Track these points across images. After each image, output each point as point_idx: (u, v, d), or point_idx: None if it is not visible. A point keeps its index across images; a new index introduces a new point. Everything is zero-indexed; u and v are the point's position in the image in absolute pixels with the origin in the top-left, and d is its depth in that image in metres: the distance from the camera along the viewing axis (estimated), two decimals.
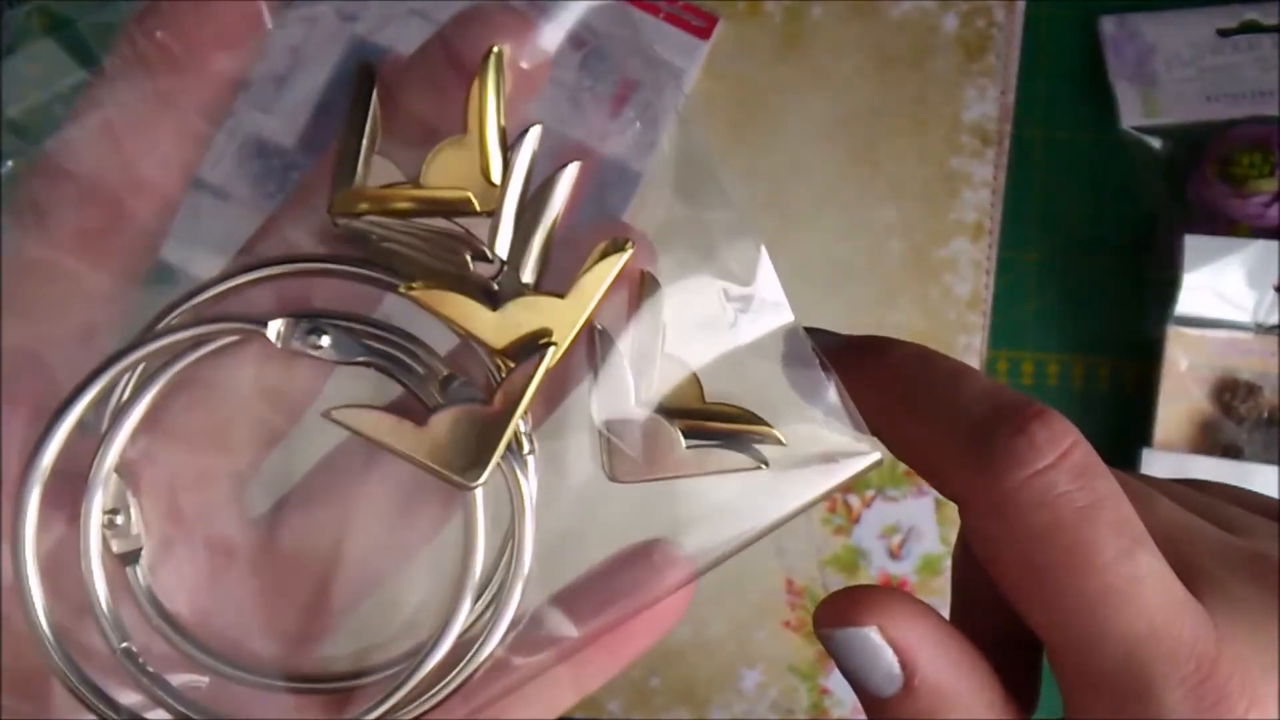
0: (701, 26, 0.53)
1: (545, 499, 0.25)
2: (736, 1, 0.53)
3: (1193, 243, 0.48)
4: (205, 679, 0.22)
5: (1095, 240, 0.53)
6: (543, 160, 0.51)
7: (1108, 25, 0.53)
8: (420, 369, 0.23)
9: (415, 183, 0.23)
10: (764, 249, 0.23)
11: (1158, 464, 0.49)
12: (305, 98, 0.52)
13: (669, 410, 0.23)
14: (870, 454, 0.22)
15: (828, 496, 0.23)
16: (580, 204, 0.51)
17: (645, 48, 0.54)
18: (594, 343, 0.23)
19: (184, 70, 0.24)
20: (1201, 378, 0.50)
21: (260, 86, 0.52)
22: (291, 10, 0.53)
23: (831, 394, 0.22)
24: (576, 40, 0.54)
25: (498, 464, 0.23)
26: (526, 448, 0.24)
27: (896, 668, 0.20)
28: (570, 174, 0.24)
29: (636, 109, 0.53)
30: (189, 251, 0.54)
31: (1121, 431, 0.53)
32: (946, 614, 0.22)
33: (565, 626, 0.24)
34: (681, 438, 0.23)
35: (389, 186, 0.23)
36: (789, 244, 0.53)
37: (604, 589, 0.24)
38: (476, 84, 0.23)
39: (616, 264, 0.22)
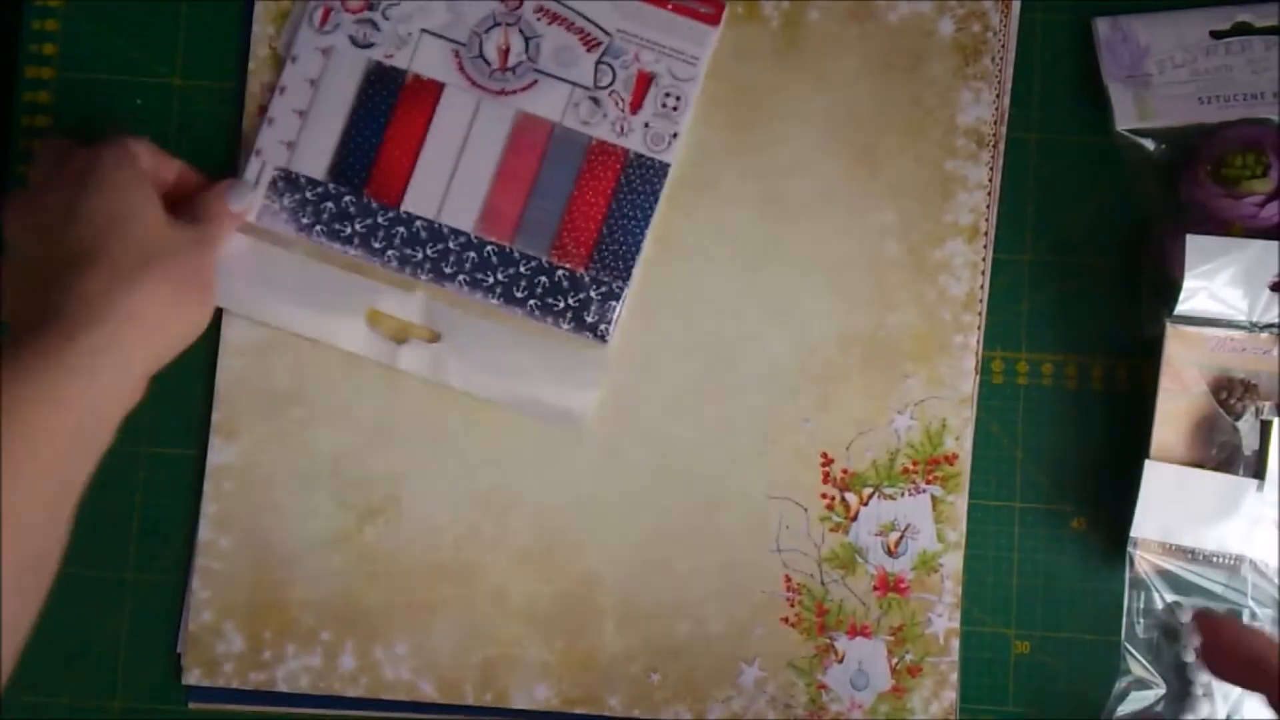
0: (710, 14, 0.53)
1: None
2: (735, 4, 0.54)
3: (1192, 242, 0.49)
4: None
5: (1089, 241, 0.54)
6: (572, 157, 0.51)
7: (1102, 27, 0.53)
8: None
9: None
10: None
11: (1156, 475, 0.49)
12: (331, 127, 0.53)
13: None
14: None
15: None
16: (615, 198, 0.52)
17: (657, 41, 0.55)
18: None
19: None
20: (1199, 376, 0.50)
21: (283, 121, 0.53)
22: (313, 39, 0.53)
23: None
24: (590, 42, 0.55)
25: None
26: None
27: None
28: None
29: (657, 98, 0.54)
30: (243, 289, 0.53)
31: (1116, 430, 0.53)
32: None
33: None
34: None
35: None
36: (787, 244, 0.53)
37: None
38: None
39: None
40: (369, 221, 0.52)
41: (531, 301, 0.52)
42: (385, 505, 0.53)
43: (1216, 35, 0.53)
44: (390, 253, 0.52)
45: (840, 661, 0.52)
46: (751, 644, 0.52)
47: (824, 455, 0.53)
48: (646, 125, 0.53)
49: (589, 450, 0.53)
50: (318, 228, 0.52)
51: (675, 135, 0.52)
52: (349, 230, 0.52)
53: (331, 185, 0.52)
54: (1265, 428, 0.50)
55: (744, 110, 0.53)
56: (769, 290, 0.53)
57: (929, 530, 0.52)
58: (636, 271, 0.52)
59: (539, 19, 0.53)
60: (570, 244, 0.52)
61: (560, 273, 0.52)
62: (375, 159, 0.52)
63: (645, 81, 0.53)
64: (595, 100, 0.53)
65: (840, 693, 0.52)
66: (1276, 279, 0.49)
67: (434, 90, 0.53)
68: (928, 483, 0.52)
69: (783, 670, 0.52)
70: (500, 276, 0.52)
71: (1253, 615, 0.50)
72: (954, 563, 0.52)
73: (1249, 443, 0.50)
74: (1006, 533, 0.53)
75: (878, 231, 0.53)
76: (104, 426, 0.44)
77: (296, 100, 0.53)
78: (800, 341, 0.53)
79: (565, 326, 0.52)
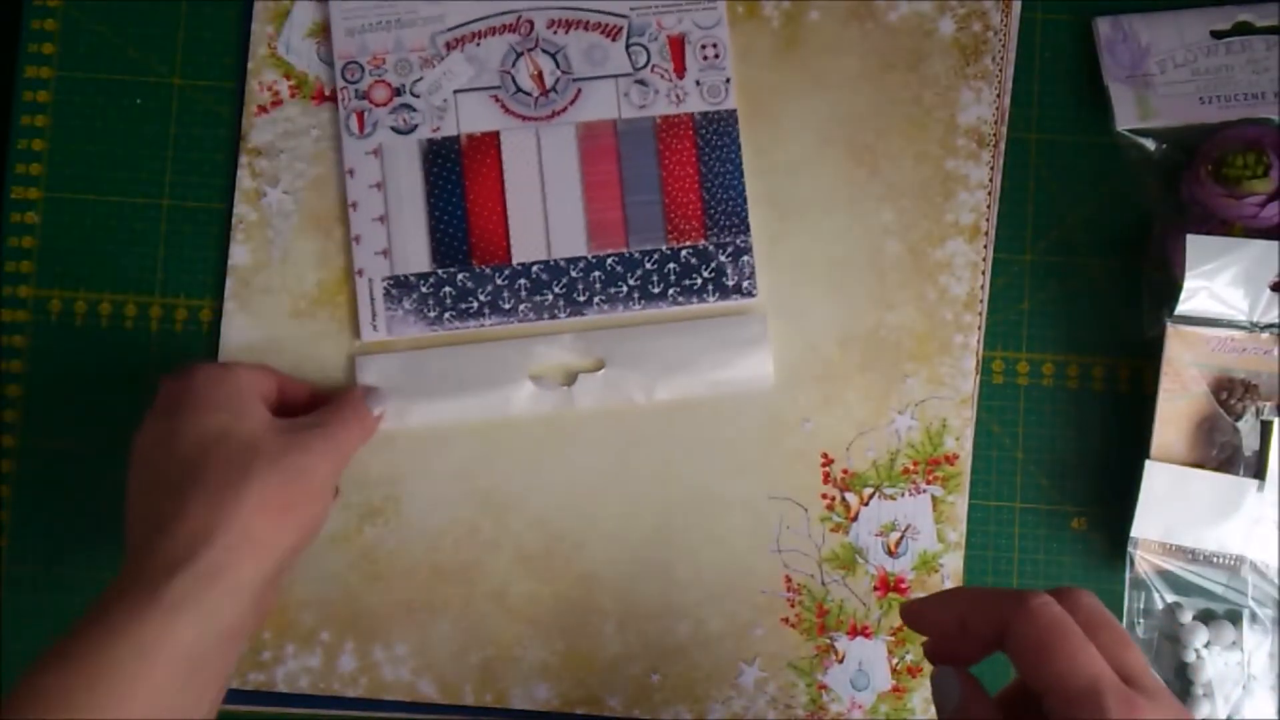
0: None
1: None
2: (735, 4, 0.54)
3: (1193, 242, 0.49)
4: None
5: (1090, 241, 0.54)
6: (645, 143, 0.51)
7: (1103, 27, 0.53)
8: None
9: None
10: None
11: (1158, 477, 0.49)
12: (415, 219, 0.52)
13: None
14: None
15: None
16: (701, 163, 0.52)
17: (670, 2, 0.55)
18: None
19: None
20: (1200, 376, 0.50)
21: (369, 233, 0.52)
22: (360, 143, 0.53)
23: None
24: (610, 30, 0.55)
25: None
26: None
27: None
28: None
29: (695, 56, 0.54)
30: (404, 405, 0.53)
31: (1116, 430, 0.53)
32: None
33: None
34: None
35: None
36: (787, 244, 0.53)
37: None
38: None
39: None
40: (489, 288, 0.52)
41: (670, 291, 0.52)
42: (385, 505, 0.53)
43: (1217, 35, 0.53)
44: (522, 307, 0.52)
45: (840, 662, 0.52)
46: (752, 644, 0.52)
47: (824, 455, 0.53)
48: (698, 83, 0.53)
49: (589, 450, 0.53)
50: (446, 315, 0.52)
51: (728, 81, 0.53)
52: (475, 304, 0.52)
53: (440, 271, 0.52)
54: (1266, 428, 0.50)
55: (743, 109, 0.53)
56: (769, 290, 0.53)
57: (929, 530, 0.52)
58: (753, 220, 0.53)
59: (554, 32, 0.53)
60: (680, 222, 0.52)
61: (684, 252, 0.52)
62: (468, 229, 0.52)
63: (678, 44, 0.53)
64: (641, 82, 0.53)
65: (840, 693, 0.52)
66: (1277, 279, 0.49)
67: (492, 142, 0.53)
68: (928, 483, 0.53)
69: (783, 670, 0.52)
70: (631, 281, 0.52)
71: (1253, 615, 0.50)
72: (954, 563, 0.52)
73: (1249, 443, 0.50)
74: (1006, 533, 0.53)
75: (878, 231, 0.53)
76: (220, 653, 0.41)
77: (371, 209, 0.53)
78: (800, 341, 0.53)
79: (712, 299, 0.52)
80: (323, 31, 0.53)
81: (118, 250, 0.54)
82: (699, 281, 0.52)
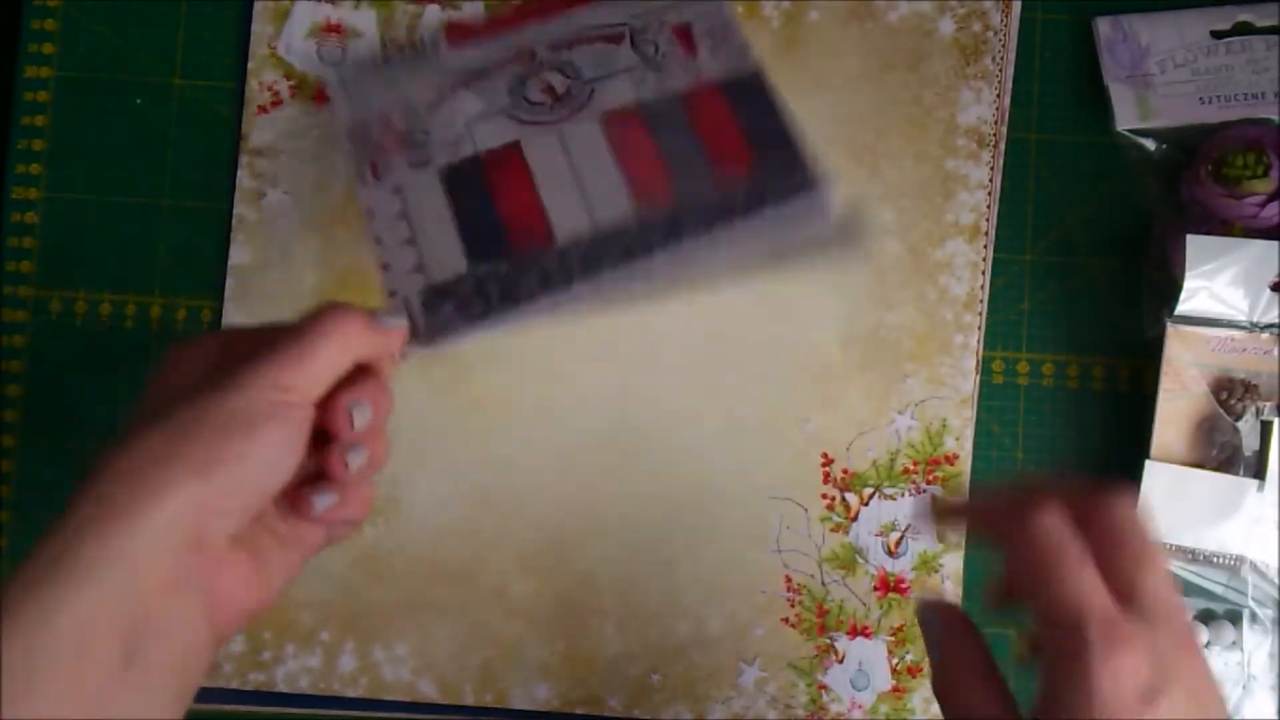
0: None
1: None
2: (735, 4, 0.54)
3: (1193, 242, 0.49)
4: None
5: (1090, 241, 0.54)
6: (674, 114, 0.48)
7: (1103, 27, 0.53)
8: None
9: None
10: None
11: (1158, 477, 0.49)
12: (444, 230, 0.49)
13: None
14: None
15: None
16: (738, 119, 0.49)
17: (666, 1, 0.54)
18: None
19: None
20: (1200, 376, 0.51)
21: (398, 258, 0.48)
22: (376, 189, 0.52)
23: None
24: (613, 37, 0.54)
25: None
26: None
27: None
28: None
29: (704, 37, 0.53)
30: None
31: (1116, 430, 0.53)
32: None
33: None
34: None
35: None
36: None
37: None
38: None
39: None
40: (540, 268, 0.47)
41: (737, 210, 0.47)
42: (385, 505, 0.53)
43: (1217, 35, 0.53)
44: (577, 274, 0.47)
45: (840, 662, 0.52)
46: (752, 644, 0.52)
47: (824, 455, 0.53)
48: (713, 56, 0.51)
49: (589, 450, 0.53)
50: (495, 303, 0.47)
51: (744, 45, 0.50)
52: (527, 288, 0.47)
53: (480, 266, 0.47)
54: (1265, 428, 0.50)
55: None
56: (769, 290, 0.53)
57: (929, 531, 0.52)
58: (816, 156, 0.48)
59: (556, 53, 0.52)
60: (730, 167, 0.48)
61: (741, 182, 0.48)
62: (502, 222, 0.49)
63: (685, 32, 0.51)
64: (656, 68, 0.52)
65: (840, 693, 0.52)
66: (1277, 279, 0.49)
67: (513, 149, 0.50)
68: (928, 483, 0.53)
69: (783, 670, 0.52)
70: (691, 217, 0.47)
71: (1253, 615, 0.50)
72: (954, 563, 0.52)
73: (1249, 443, 0.50)
74: None
75: (878, 231, 0.53)
76: (114, 646, 0.33)
77: (397, 236, 0.49)
78: (800, 341, 0.53)
79: (787, 205, 0.47)
80: (322, 32, 0.53)
81: (118, 250, 0.54)
82: (766, 195, 0.47)
